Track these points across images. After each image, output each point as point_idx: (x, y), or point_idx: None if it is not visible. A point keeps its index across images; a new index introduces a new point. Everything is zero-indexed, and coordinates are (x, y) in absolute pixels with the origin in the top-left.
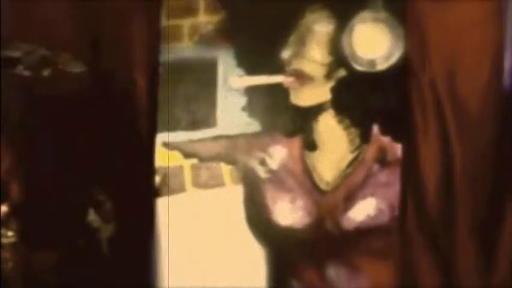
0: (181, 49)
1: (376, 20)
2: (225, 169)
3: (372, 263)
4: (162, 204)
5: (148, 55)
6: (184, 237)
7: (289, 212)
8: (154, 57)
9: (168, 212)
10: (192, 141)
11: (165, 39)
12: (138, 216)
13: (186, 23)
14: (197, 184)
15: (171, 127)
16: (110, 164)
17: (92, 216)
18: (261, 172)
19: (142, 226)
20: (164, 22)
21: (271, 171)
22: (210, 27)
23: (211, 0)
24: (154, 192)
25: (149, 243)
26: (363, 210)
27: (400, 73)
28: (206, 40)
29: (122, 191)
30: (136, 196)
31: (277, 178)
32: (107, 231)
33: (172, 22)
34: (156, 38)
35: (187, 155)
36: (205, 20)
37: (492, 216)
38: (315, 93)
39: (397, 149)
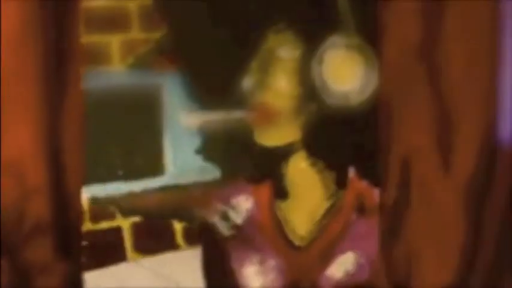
0: (112, 74)
1: (348, 46)
2: (178, 228)
3: None
4: (94, 278)
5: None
6: None
7: (259, 274)
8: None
9: None
10: (132, 194)
11: (88, 59)
12: None
13: (116, 39)
14: (140, 250)
15: (104, 177)
16: None
17: None
18: (224, 229)
19: None
20: (86, 38)
21: (235, 227)
22: (148, 46)
23: (148, 10)
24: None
25: None
26: (342, 267)
27: (375, 109)
28: (144, 62)
29: None
30: None
31: (243, 235)
32: None
33: (98, 38)
34: (73, 57)
35: (126, 213)
36: (142, 35)
37: None
38: (284, 131)
39: (375, 194)
